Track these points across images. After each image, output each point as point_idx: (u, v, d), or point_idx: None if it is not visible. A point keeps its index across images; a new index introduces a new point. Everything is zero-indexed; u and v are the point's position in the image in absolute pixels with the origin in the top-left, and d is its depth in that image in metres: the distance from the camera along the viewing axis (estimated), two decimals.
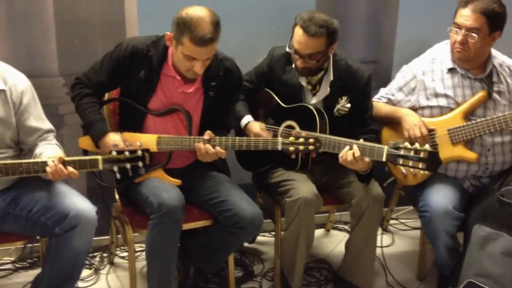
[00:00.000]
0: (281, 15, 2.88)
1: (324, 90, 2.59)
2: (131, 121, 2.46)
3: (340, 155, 2.35)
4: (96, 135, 2.35)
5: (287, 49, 2.54)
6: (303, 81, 2.60)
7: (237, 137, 2.33)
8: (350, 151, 2.32)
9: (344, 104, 2.59)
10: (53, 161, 2.09)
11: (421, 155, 2.22)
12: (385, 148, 2.29)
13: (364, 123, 2.64)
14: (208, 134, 2.31)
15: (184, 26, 2.19)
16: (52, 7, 2.69)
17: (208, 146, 2.30)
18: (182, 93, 2.41)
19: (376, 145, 2.32)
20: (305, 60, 2.48)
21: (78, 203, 2.20)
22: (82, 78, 2.44)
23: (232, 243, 2.51)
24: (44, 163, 2.10)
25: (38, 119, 2.29)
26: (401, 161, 2.26)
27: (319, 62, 2.49)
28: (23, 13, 2.67)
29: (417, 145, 2.24)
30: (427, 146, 2.22)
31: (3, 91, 2.19)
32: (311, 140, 2.28)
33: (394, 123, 2.73)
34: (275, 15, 2.91)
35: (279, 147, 2.30)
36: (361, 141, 2.35)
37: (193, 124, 2.43)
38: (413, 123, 2.59)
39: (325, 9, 3.01)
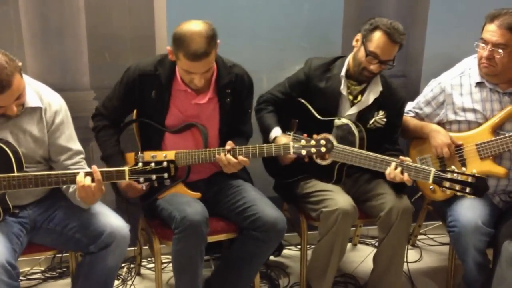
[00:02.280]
0: (308, 30, 2.89)
1: (366, 101, 2.60)
2: (150, 140, 2.51)
3: (387, 172, 2.37)
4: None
5: (368, 50, 2.47)
6: (344, 90, 2.60)
7: (250, 145, 2.33)
8: (397, 170, 2.35)
9: (381, 117, 2.60)
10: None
11: (469, 180, 2.22)
12: (432, 170, 2.29)
13: (392, 141, 2.66)
14: (229, 145, 2.33)
15: (178, 42, 2.23)
16: (84, 22, 2.76)
17: (229, 156, 2.31)
18: (196, 104, 2.44)
19: (422, 166, 2.33)
20: (382, 66, 2.51)
21: (113, 221, 2.24)
22: (100, 109, 2.53)
23: (255, 255, 2.47)
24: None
25: (69, 139, 2.30)
26: (448, 184, 2.27)
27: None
28: (56, 28, 2.74)
29: (464, 169, 2.26)
30: (474, 171, 2.24)
31: (39, 108, 2.23)
32: (322, 142, 2.25)
33: (421, 138, 2.71)
34: (303, 30, 2.92)
35: (291, 151, 2.28)
36: (407, 161, 2.36)
37: (212, 135, 2.46)
38: (441, 141, 2.58)
39: (353, 23, 3.02)
